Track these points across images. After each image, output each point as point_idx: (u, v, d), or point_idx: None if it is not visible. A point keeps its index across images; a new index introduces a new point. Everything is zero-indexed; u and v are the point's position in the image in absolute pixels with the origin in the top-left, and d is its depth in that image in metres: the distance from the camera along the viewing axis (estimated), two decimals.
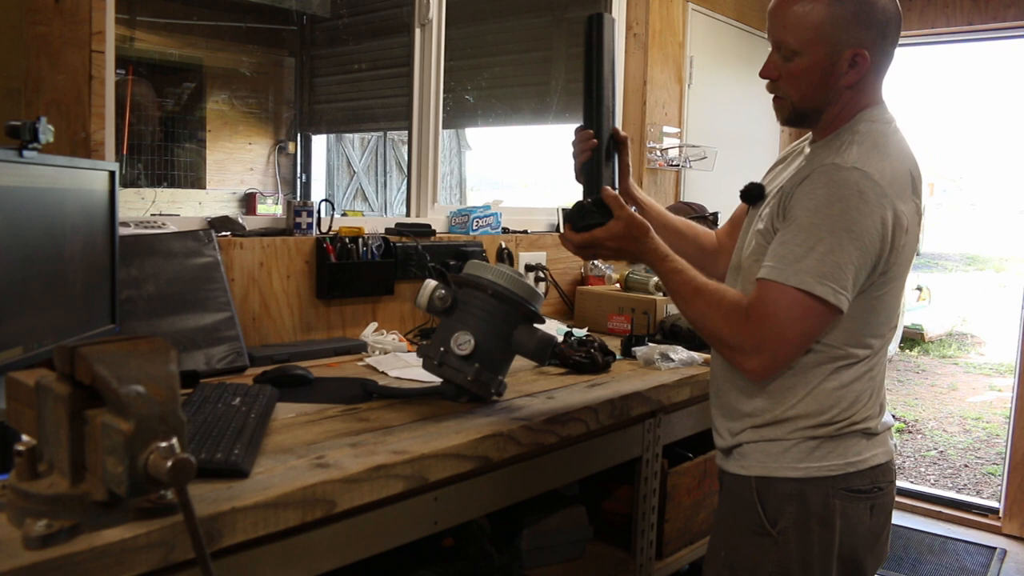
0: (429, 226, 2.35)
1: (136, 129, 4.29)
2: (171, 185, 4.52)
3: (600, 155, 1.45)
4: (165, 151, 4.53)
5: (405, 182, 3.76)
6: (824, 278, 1.13)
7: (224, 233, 1.91)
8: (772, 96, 1.32)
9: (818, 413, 1.25)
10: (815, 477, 1.25)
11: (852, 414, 1.25)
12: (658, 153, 3.13)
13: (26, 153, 1.19)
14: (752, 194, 1.38)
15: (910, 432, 5.53)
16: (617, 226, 1.31)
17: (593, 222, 1.34)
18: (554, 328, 2.18)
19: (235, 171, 5.01)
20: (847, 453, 1.26)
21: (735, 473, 1.33)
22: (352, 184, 5.95)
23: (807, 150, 1.34)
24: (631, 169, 1.55)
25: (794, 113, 1.30)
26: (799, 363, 1.24)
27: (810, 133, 1.36)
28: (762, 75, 1.31)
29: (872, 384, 1.28)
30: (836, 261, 1.13)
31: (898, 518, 3.31)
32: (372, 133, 5.96)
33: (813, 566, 1.26)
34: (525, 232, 2.66)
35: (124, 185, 3.98)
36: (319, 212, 2.09)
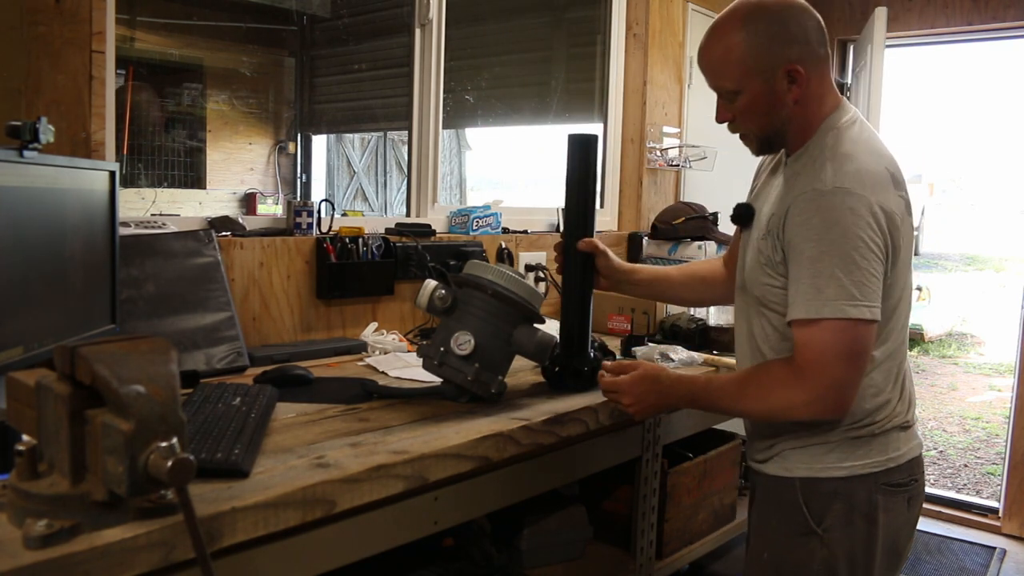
0: (429, 226, 2.35)
1: (136, 129, 4.29)
2: (171, 185, 4.52)
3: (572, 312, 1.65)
4: (165, 151, 4.53)
5: (405, 182, 3.76)
6: (852, 299, 1.16)
7: (224, 233, 1.91)
8: (739, 136, 1.37)
9: (861, 417, 1.27)
10: (859, 475, 1.28)
11: (889, 411, 1.29)
12: (658, 153, 3.14)
13: (26, 153, 1.19)
14: (743, 216, 1.41)
15: None
16: (631, 379, 1.40)
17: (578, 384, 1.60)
18: (554, 328, 2.18)
19: (235, 171, 5.01)
20: (887, 449, 1.29)
21: (777, 475, 1.34)
22: (352, 184, 5.94)
23: (784, 161, 1.36)
24: (607, 253, 1.66)
25: (761, 143, 1.35)
26: None
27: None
28: (718, 121, 1.35)
29: (900, 379, 1.31)
30: (856, 280, 1.16)
31: None
32: (372, 133, 5.96)
33: (858, 561, 1.28)
34: (525, 232, 2.66)
35: (124, 185, 3.98)
36: (319, 212, 2.09)
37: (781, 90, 1.26)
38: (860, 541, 1.28)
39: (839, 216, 1.17)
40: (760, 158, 1.48)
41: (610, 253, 1.66)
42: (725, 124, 1.35)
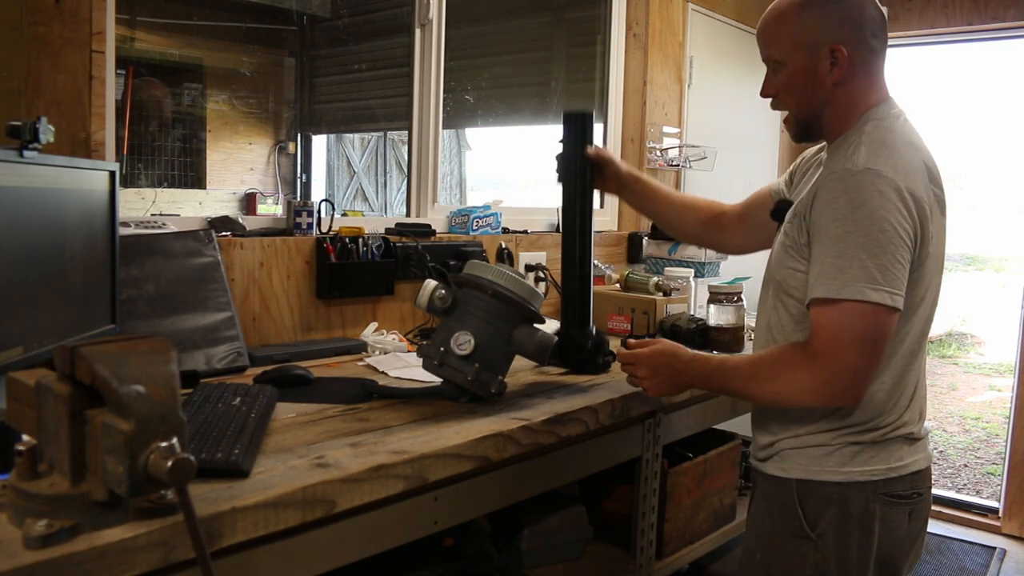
0: (429, 226, 2.35)
1: (136, 130, 4.29)
2: (171, 185, 4.52)
3: (576, 288, 1.66)
4: (165, 151, 4.53)
5: (405, 182, 3.76)
6: (874, 282, 1.13)
7: (224, 233, 1.91)
8: (783, 120, 1.37)
9: (863, 420, 1.25)
10: (857, 481, 1.25)
11: (895, 419, 1.25)
12: (658, 153, 3.13)
13: (26, 153, 1.19)
14: (782, 212, 1.39)
15: None
16: (650, 352, 1.43)
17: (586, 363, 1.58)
18: (554, 328, 2.18)
19: (235, 171, 5.00)
20: (890, 458, 1.26)
21: (774, 475, 1.33)
22: (352, 184, 5.94)
23: (823, 156, 1.34)
24: (614, 160, 1.66)
25: (799, 126, 1.33)
26: None
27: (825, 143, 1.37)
28: (762, 94, 1.36)
29: (912, 387, 1.27)
30: (880, 263, 1.13)
31: None
32: (372, 133, 5.95)
33: (851, 570, 1.26)
34: (525, 232, 2.66)
35: (124, 185, 3.98)
36: (319, 212, 2.09)
37: (823, 70, 1.25)
38: (854, 549, 1.25)
39: (867, 196, 1.14)
40: (801, 158, 1.46)
41: (616, 160, 1.66)
42: (768, 100, 1.35)
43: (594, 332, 1.66)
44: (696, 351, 1.41)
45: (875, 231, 1.14)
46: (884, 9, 1.29)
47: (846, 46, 1.23)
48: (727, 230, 1.63)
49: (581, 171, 1.63)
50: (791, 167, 1.51)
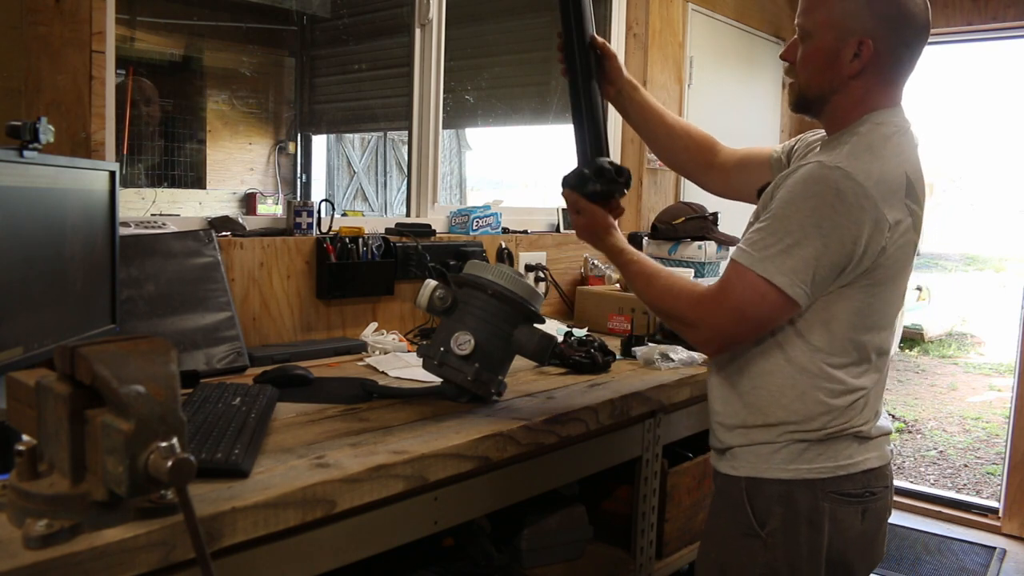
0: (429, 226, 2.35)
1: (136, 130, 4.29)
2: (171, 185, 4.52)
3: (583, 117, 1.49)
4: (165, 151, 4.53)
5: (405, 182, 3.76)
6: (784, 270, 1.16)
7: (224, 233, 1.91)
8: (788, 86, 1.36)
9: (808, 419, 1.24)
10: (804, 479, 1.25)
11: (844, 419, 1.24)
12: None
13: (26, 153, 1.19)
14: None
15: (910, 432, 5.53)
16: (587, 217, 1.45)
17: (590, 189, 1.43)
18: (554, 328, 2.18)
19: (235, 171, 5.00)
20: (838, 456, 1.25)
21: (726, 473, 1.33)
22: (352, 184, 5.94)
23: (817, 150, 1.33)
24: (617, 61, 1.58)
25: (799, 98, 1.32)
26: (791, 367, 1.24)
27: (825, 134, 1.36)
28: (782, 57, 1.36)
29: (866, 391, 1.26)
30: (800, 255, 1.15)
31: (897, 518, 3.31)
32: (372, 133, 5.95)
33: (801, 569, 1.25)
34: (525, 232, 2.66)
35: (124, 185, 3.98)
36: (319, 212, 2.09)
37: (844, 57, 1.23)
38: (804, 548, 1.24)
39: (823, 191, 1.15)
40: (800, 140, 1.45)
41: (619, 60, 1.58)
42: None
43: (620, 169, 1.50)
44: (617, 242, 1.42)
45: (809, 225, 1.15)
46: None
47: (875, 43, 1.21)
48: (714, 170, 1.63)
49: (584, 58, 1.49)
50: (792, 144, 1.49)
